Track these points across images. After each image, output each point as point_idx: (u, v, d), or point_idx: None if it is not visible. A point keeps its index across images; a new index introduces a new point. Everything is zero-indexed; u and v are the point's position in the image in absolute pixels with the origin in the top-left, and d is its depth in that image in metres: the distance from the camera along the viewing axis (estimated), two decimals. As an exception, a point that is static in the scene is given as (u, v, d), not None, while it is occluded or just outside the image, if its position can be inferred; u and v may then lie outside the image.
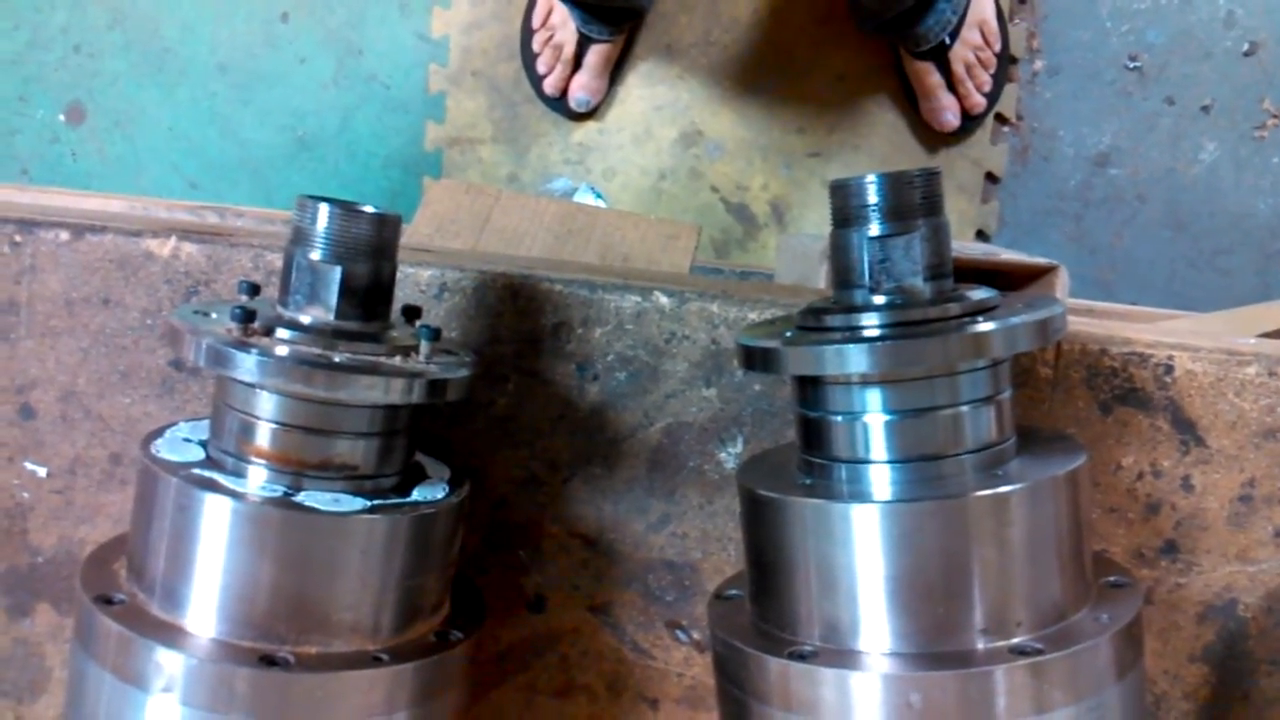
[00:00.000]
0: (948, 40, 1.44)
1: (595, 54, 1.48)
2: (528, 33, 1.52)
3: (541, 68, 1.51)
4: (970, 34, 1.47)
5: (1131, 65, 1.51)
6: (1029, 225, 1.54)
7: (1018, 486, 0.43)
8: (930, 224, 0.46)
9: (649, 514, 0.57)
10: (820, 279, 0.97)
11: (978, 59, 1.48)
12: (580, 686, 0.59)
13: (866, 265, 0.46)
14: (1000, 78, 1.51)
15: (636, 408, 0.57)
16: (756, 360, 0.46)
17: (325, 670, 0.44)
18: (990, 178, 1.54)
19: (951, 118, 1.49)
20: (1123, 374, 0.55)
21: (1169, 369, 0.55)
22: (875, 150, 1.53)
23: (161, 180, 1.59)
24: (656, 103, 1.54)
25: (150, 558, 0.46)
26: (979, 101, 1.50)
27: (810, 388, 0.47)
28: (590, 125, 1.54)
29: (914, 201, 0.45)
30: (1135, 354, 0.55)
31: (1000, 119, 1.53)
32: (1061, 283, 0.98)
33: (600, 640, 0.58)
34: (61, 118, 1.58)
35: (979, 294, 0.46)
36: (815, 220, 1.52)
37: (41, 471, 0.59)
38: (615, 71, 1.53)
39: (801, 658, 0.43)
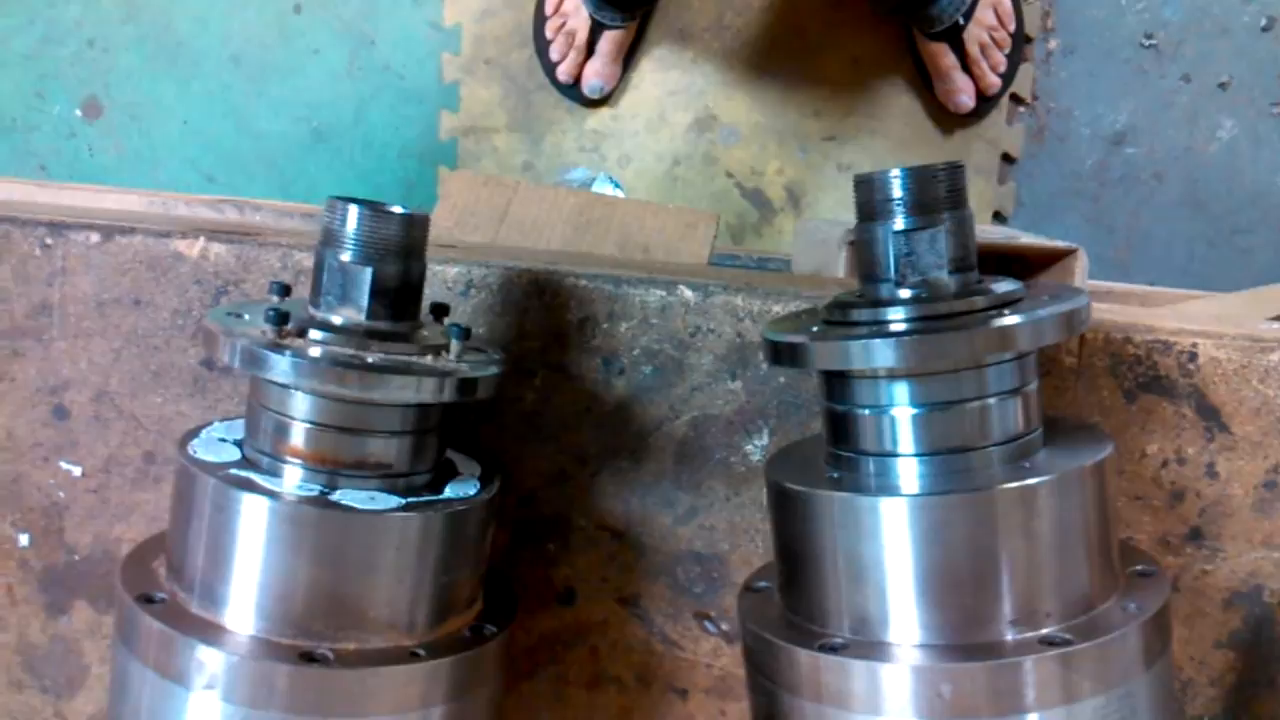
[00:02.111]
0: (962, 21, 1.44)
1: (608, 40, 1.48)
2: (540, 20, 1.52)
3: (554, 55, 1.51)
4: (984, 14, 1.46)
5: (1147, 43, 1.50)
6: (1046, 206, 1.53)
7: (1045, 478, 0.44)
8: (955, 217, 0.46)
9: (676, 506, 0.58)
10: (839, 265, 0.97)
11: (992, 39, 1.47)
12: (610, 677, 0.60)
13: (892, 259, 0.46)
14: (1015, 58, 1.50)
15: (663, 401, 0.57)
16: (784, 355, 0.47)
17: (363, 666, 0.45)
18: (1006, 158, 1.54)
19: (967, 99, 1.49)
20: (1146, 362, 0.55)
21: (1193, 356, 0.55)
22: (891, 133, 1.52)
23: (178, 174, 1.59)
24: (670, 88, 1.54)
25: (189, 557, 0.47)
26: (994, 82, 1.49)
27: (837, 382, 0.47)
28: (604, 112, 1.54)
29: (938, 195, 0.46)
30: (1159, 342, 0.55)
31: (1015, 99, 1.53)
32: (1081, 266, 0.98)
33: (629, 632, 0.59)
34: (78, 113, 1.59)
35: (1004, 286, 0.46)
36: (831, 204, 1.52)
37: (76, 471, 0.60)
38: (628, 57, 1.53)
39: (832, 650, 0.44)
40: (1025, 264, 1.03)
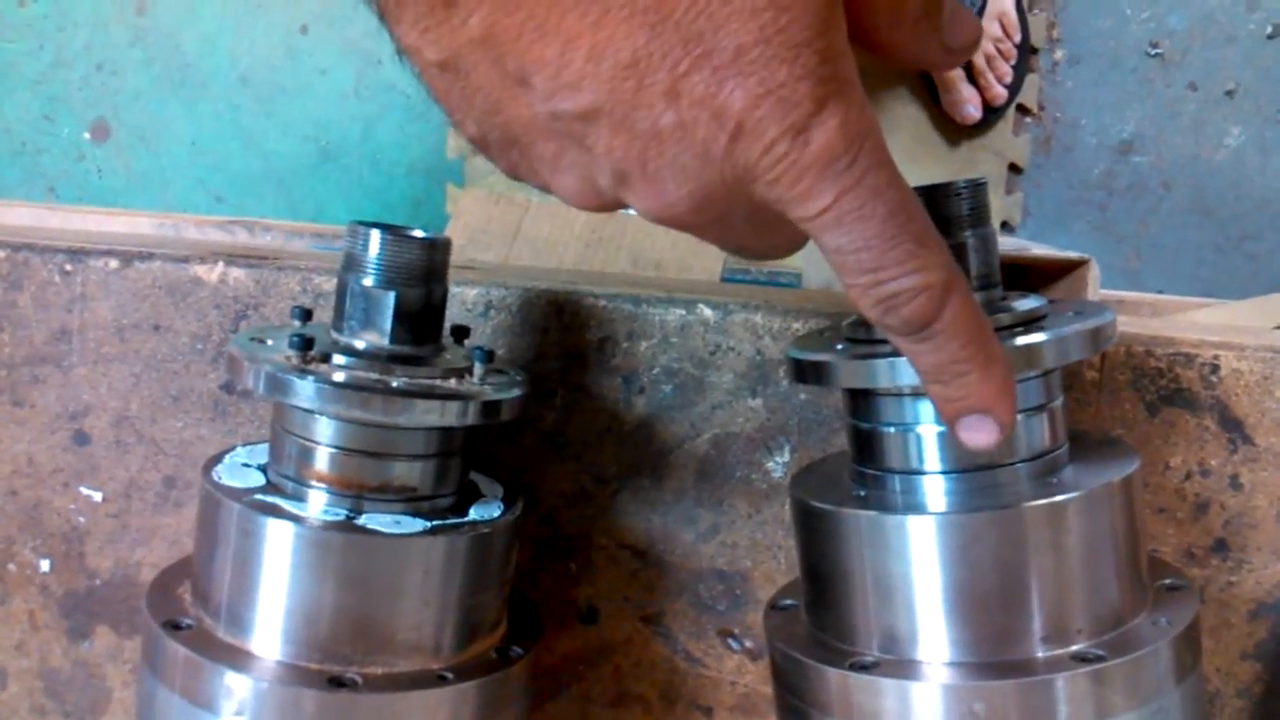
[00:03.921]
0: (967, 32, 1.44)
1: (615, 56, 1.48)
2: (547, 37, 1.53)
3: (562, 72, 1.51)
4: (990, 26, 1.47)
5: (1153, 52, 1.51)
6: (1054, 215, 1.53)
7: (1073, 495, 0.43)
8: (978, 235, 0.46)
9: (698, 524, 0.58)
10: (851, 279, 0.97)
11: (998, 50, 1.48)
12: (634, 696, 0.59)
13: (914, 276, 0.46)
14: (1021, 68, 1.51)
15: (683, 419, 0.57)
16: (808, 373, 0.47)
17: (391, 690, 0.45)
18: (1013, 169, 1.54)
19: (973, 110, 1.49)
20: (1169, 374, 0.55)
21: (1215, 368, 0.55)
22: (898, 145, 1.53)
23: (187, 195, 1.60)
24: (676, 103, 1.54)
25: (215, 582, 0.47)
26: (1000, 93, 1.50)
27: (862, 400, 0.47)
28: (611, 128, 1.54)
29: (960, 213, 0.46)
30: (1181, 354, 0.55)
31: (1022, 110, 1.53)
32: (1093, 276, 0.98)
33: (653, 650, 0.59)
34: (86, 135, 1.60)
35: (1028, 303, 0.46)
36: (839, 216, 1.52)
37: (97, 496, 0.60)
38: (635, 73, 1.53)
39: (863, 669, 0.44)
40: (1036, 275, 1.03)
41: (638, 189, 0.35)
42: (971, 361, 0.37)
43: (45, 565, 0.61)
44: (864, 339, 0.47)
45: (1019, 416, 0.45)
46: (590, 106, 0.33)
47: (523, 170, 0.38)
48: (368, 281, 0.47)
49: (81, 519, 0.60)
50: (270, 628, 0.46)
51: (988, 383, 0.37)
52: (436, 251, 0.48)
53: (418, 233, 0.48)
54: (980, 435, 0.39)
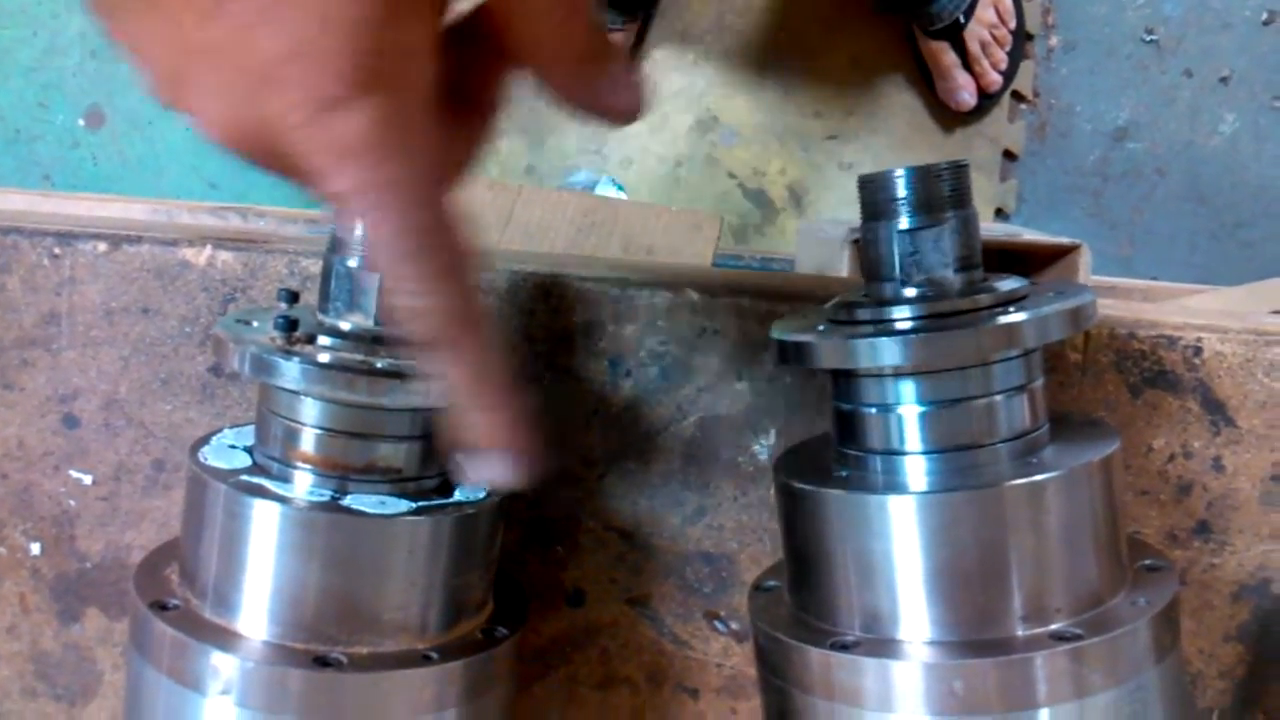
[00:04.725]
0: (962, 19, 1.44)
1: (609, 43, 1.48)
2: (541, 24, 1.52)
3: (556, 58, 1.51)
4: (984, 12, 1.46)
5: (1148, 38, 1.50)
6: (1048, 202, 1.54)
7: (1053, 474, 0.44)
8: (959, 216, 0.46)
9: (684, 507, 0.58)
10: (842, 264, 0.97)
11: (993, 37, 1.48)
12: (621, 678, 0.60)
13: (897, 258, 0.46)
14: (1016, 55, 1.51)
15: (669, 402, 0.57)
16: (790, 354, 0.47)
17: (377, 669, 0.45)
18: (1008, 155, 1.54)
19: (968, 97, 1.49)
20: (1151, 357, 0.55)
21: (1198, 350, 0.55)
22: (893, 132, 1.53)
23: (181, 181, 1.60)
24: (671, 90, 1.55)
25: (202, 563, 0.48)
26: (995, 80, 1.50)
27: (844, 381, 0.47)
28: (606, 114, 1.54)
29: (942, 194, 0.46)
30: (1164, 336, 0.55)
31: (1017, 96, 1.53)
32: (1084, 262, 0.99)
33: (639, 632, 0.59)
34: (81, 122, 1.59)
35: (1009, 284, 0.46)
36: (833, 203, 1.52)
37: (87, 479, 0.60)
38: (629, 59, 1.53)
39: (844, 648, 0.44)
40: (1028, 260, 1.03)
41: (188, 97, 0.34)
42: (478, 396, 0.38)
43: (36, 548, 0.61)
44: (845, 320, 0.47)
45: (999, 397, 0.45)
46: None
47: (121, 39, 0.37)
48: (352, 263, 0.47)
49: (72, 502, 0.61)
50: (256, 608, 0.46)
51: (498, 423, 0.39)
52: (421, 234, 0.48)
53: (402, 215, 0.48)
54: (490, 472, 0.40)
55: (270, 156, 0.35)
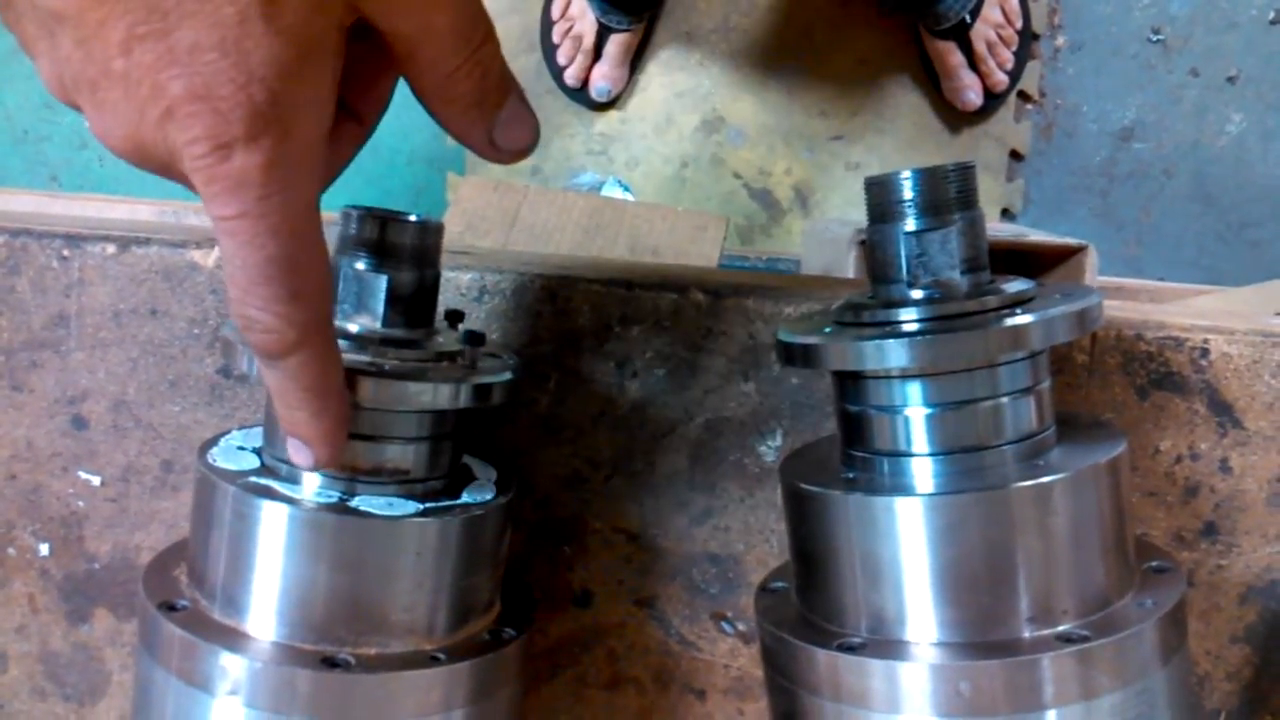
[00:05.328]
0: (968, 18, 1.44)
1: (615, 43, 1.48)
2: (547, 24, 1.53)
3: (562, 59, 1.52)
4: (991, 11, 1.46)
5: (1155, 38, 1.50)
6: (1055, 202, 1.53)
7: (1060, 476, 0.44)
8: (966, 218, 0.46)
9: (691, 508, 0.58)
10: (848, 264, 0.97)
11: (999, 37, 1.48)
12: (628, 679, 0.60)
13: (903, 260, 0.46)
14: (1022, 55, 1.50)
15: (676, 404, 0.57)
16: (796, 356, 0.47)
17: (385, 670, 0.46)
18: (1015, 155, 1.54)
19: (974, 97, 1.49)
20: (1159, 358, 0.55)
21: (1204, 352, 0.55)
22: (899, 132, 1.53)
23: (189, 182, 1.60)
24: (677, 90, 1.55)
25: (210, 564, 0.48)
26: (1001, 80, 1.49)
27: (850, 383, 0.47)
28: (612, 115, 1.55)
29: (949, 196, 0.46)
30: (1170, 338, 0.55)
31: (1023, 96, 1.53)
32: (1091, 263, 0.99)
33: (646, 633, 0.59)
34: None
35: (1015, 286, 0.46)
36: (839, 204, 1.52)
37: (95, 480, 0.61)
38: (635, 60, 1.53)
39: (850, 649, 0.44)
40: (1035, 261, 1.03)
41: (88, 109, 0.37)
42: (306, 407, 0.42)
43: (45, 549, 0.61)
44: (851, 322, 0.47)
45: (1006, 399, 0.45)
46: (59, 10, 0.35)
47: (16, 35, 0.39)
48: (360, 265, 0.48)
49: (80, 503, 0.61)
50: (265, 609, 0.46)
51: (313, 426, 0.42)
52: (428, 235, 0.48)
53: (411, 216, 0.48)
54: (296, 456, 0.44)
55: (161, 170, 0.38)
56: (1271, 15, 1.48)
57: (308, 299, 0.39)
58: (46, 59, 0.38)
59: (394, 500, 0.47)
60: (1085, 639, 0.42)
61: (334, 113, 0.39)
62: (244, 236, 0.37)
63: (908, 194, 0.46)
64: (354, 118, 0.45)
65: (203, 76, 0.34)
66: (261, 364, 0.41)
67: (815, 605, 0.48)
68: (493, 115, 0.42)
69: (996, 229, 1.16)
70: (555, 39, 1.50)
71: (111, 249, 0.59)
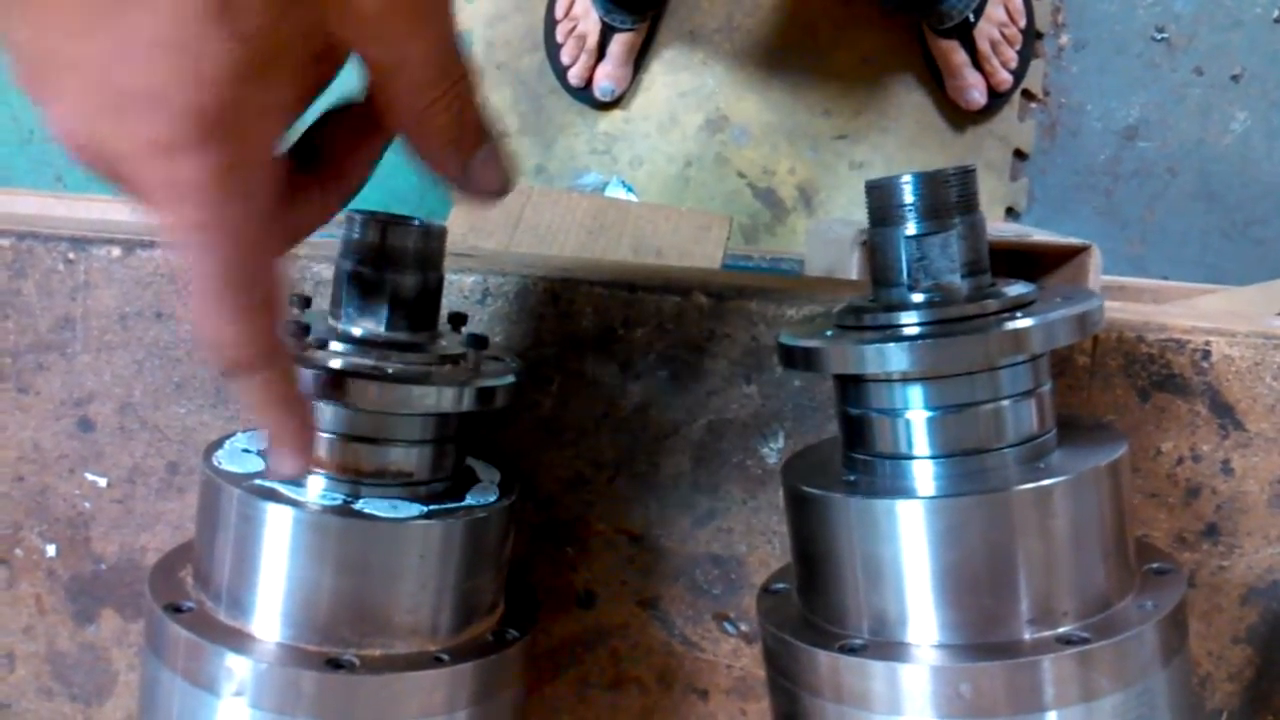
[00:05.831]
0: (972, 18, 1.44)
1: (618, 43, 1.48)
2: (551, 24, 1.53)
3: (565, 58, 1.52)
4: (994, 10, 1.46)
5: (1159, 36, 1.50)
6: (1059, 201, 1.53)
7: (1061, 479, 0.44)
8: (966, 221, 0.46)
9: (694, 509, 0.58)
10: (851, 265, 0.97)
11: (1003, 35, 1.48)
12: (631, 679, 0.60)
13: (904, 264, 0.46)
14: (1026, 54, 1.50)
15: (679, 406, 0.58)
16: (798, 359, 0.47)
17: (389, 671, 0.46)
18: (1019, 154, 1.54)
19: (978, 96, 1.49)
20: (1160, 360, 0.56)
21: (1206, 354, 0.55)
22: (902, 131, 1.53)
23: (194, 182, 1.60)
24: (681, 90, 1.55)
25: (216, 566, 0.48)
26: (1005, 78, 1.49)
27: (852, 386, 0.47)
28: (616, 114, 1.55)
29: (950, 200, 0.46)
30: (1172, 340, 0.56)
31: (1027, 95, 1.53)
32: (1094, 263, 0.99)
33: (649, 634, 0.60)
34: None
35: (1016, 289, 0.47)
36: (843, 203, 1.52)
37: (102, 482, 0.61)
38: (639, 60, 1.54)
39: (852, 651, 0.44)
40: (1039, 261, 1.03)
41: (45, 100, 0.36)
42: (267, 418, 0.42)
43: (51, 550, 0.62)
44: (853, 325, 0.47)
45: (1006, 402, 0.45)
46: None
47: None
48: (364, 269, 0.48)
49: (87, 504, 0.61)
50: (270, 610, 0.47)
51: (282, 437, 0.43)
52: (431, 239, 0.49)
53: (414, 220, 0.48)
54: (275, 463, 0.44)
55: (108, 171, 0.37)
56: (1276, 14, 1.47)
57: (261, 322, 0.38)
58: (13, 48, 0.37)
59: (398, 502, 0.48)
60: (1086, 641, 0.43)
61: (290, 126, 0.38)
62: (193, 248, 0.36)
63: (908, 198, 0.46)
64: (336, 172, 0.44)
65: (152, 74, 0.33)
66: (223, 376, 0.41)
67: (817, 607, 0.48)
68: (469, 154, 0.42)
69: (1000, 229, 1.16)
70: (559, 38, 1.50)
71: (117, 252, 0.59)
